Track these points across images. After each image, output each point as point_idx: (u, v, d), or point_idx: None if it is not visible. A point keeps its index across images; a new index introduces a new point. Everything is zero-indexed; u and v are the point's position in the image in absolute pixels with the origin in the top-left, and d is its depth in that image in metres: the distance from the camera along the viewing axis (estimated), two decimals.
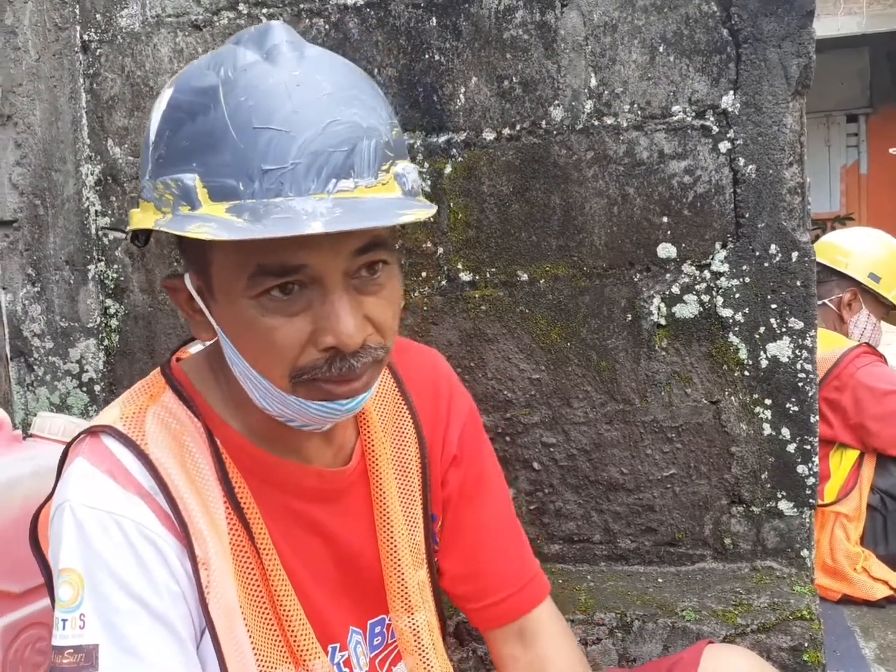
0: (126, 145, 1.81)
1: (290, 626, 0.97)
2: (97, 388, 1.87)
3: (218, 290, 0.88)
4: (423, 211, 0.84)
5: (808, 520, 1.63)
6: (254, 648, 0.94)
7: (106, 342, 1.86)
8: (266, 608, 0.96)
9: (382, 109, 0.86)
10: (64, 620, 0.88)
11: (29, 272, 1.89)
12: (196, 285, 0.92)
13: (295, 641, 0.97)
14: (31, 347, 1.90)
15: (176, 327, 1.81)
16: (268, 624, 0.96)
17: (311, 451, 1.02)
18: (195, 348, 1.08)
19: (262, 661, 0.94)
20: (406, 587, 1.06)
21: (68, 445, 0.99)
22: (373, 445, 1.07)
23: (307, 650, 0.97)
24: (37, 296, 1.89)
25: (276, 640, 0.96)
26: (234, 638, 0.93)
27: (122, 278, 1.84)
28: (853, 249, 2.88)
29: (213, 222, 0.79)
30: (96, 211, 1.84)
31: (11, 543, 1.29)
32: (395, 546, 1.06)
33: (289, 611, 0.96)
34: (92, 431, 0.95)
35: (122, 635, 0.87)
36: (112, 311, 1.86)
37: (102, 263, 1.85)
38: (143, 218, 0.88)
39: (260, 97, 0.80)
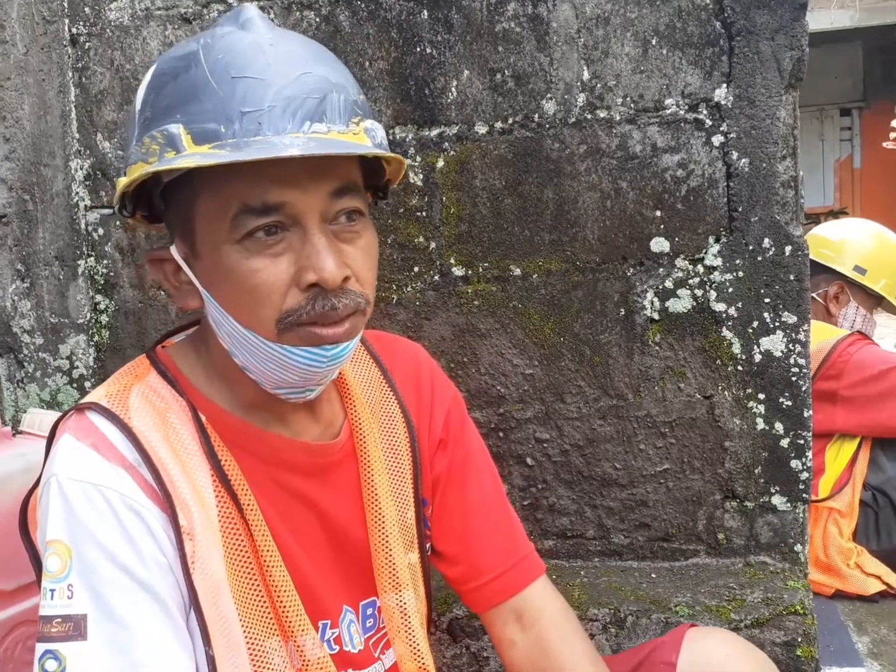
0: (115, 139, 1.79)
1: (279, 598, 0.97)
2: (88, 384, 1.86)
3: (202, 244, 0.92)
4: (391, 154, 0.92)
5: (801, 515, 1.63)
6: (241, 620, 0.95)
7: (96, 338, 1.85)
8: (255, 580, 0.97)
9: (349, 76, 0.94)
10: (52, 590, 0.89)
11: (18, 267, 1.88)
12: (182, 252, 0.96)
13: (284, 614, 0.97)
14: (21, 343, 1.89)
15: (167, 323, 1.80)
16: (256, 596, 0.97)
17: (298, 424, 1.04)
18: (178, 339, 1.09)
19: (249, 632, 0.95)
20: (394, 565, 1.07)
21: (55, 424, 1.00)
22: (360, 424, 1.09)
23: (296, 623, 0.98)
24: (26, 291, 1.88)
25: (264, 613, 0.97)
26: (218, 609, 0.93)
27: (112, 274, 1.83)
28: (839, 242, 2.83)
29: (196, 156, 0.84)
30: (86, 206, 1.83)
31: (2, 541, 1.29)
32: (384, 523, 1.07)
33: (278, 583, 0.97)
34: (78, 408, 0.97)
35: (109, 605, 0.88)
36: (102, 306, 1.84)
37: (92, 259, 1.84)
38: (129, 177, 0.92)
39: (236, 54, 0.88)
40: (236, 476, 0.97)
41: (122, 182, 0.92)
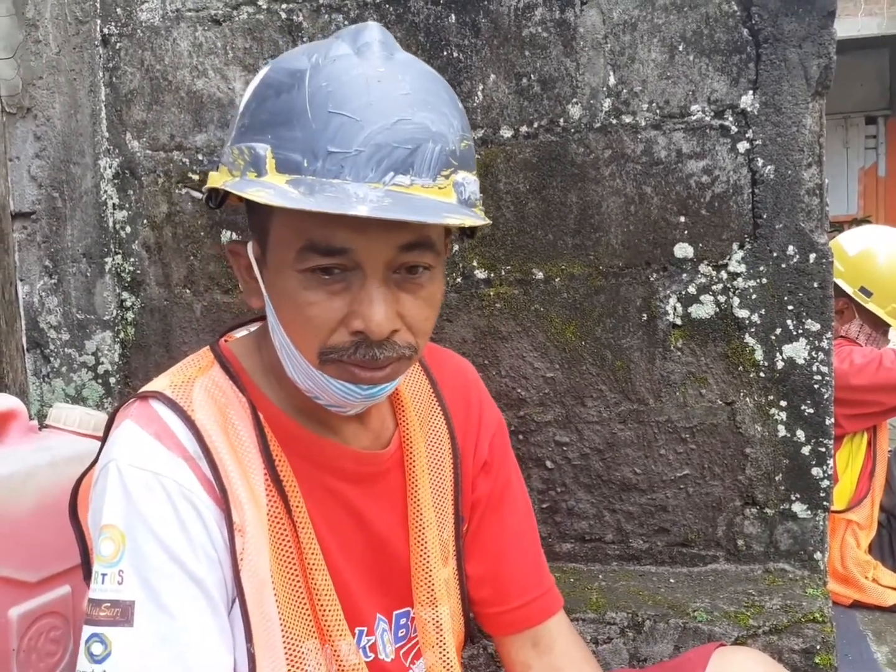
0: (144, 139, 1.81)
1: (319, 601, 0.98)
2: (112, 380, 1.88)
3: (271, 259, 0.93)
4: (471, 218, 0.86)
5: (821, 522, 1.63)
6: (281, 621, 0.95)
7: (122, 335, 1.87)
8: (298, 581, 0.98)
9: (456, 120, 0.89)
10: (104, 575, 0.90)
11: (46, 264, 1.90)
12: (255, 253, 0.96)
13: (323, 617, 0.98)
14: (48, 339, 1.92)
15: (191, 321, 1.82)
16: (298, 597, 0.97)
17: (349, 433, 1.04)
18: (241, 334, 1.10)
19: (287, 633, 0.96)
20: (432, 579, 1.07)
21: (116, 410, 1.01)
22: (410, 436, 1.09)
23: (334, 628, 0.98)
24: (54, 288, 1.90)
25: (304, 614, 0.98)
26: (262, 608, 0.94)
27: (138, 271, 1.85)
28: (854, 257, 2.67)
29: (271, 189, 0.83)
30: (114, 204, 1.85)
31: (27, 533, 1.30)
32: (425, 538, 1.07)
33: (319, 586, 0.98)
34: (141, 396, 0.98)
35: (157, 593, 0.89)
36: (128, 304, 1.87)
37: (119, 256, 1.86)
38: (216, 179, 0.93)
39: (340, 85, 0.85)
40: (288, 477, 0.98)
41: (211, 180, 0.93)
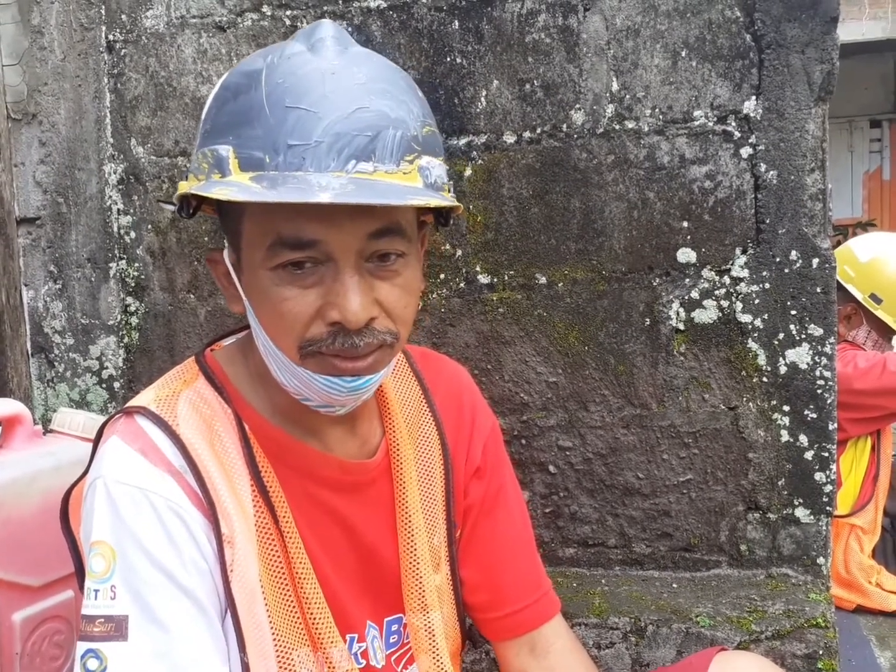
0: (149, 145, 1.82)
1: (309, 609, 0.98)
2: (117, 384, 1.89)
3: (245, 261, 0.93)
4: (436, 199, 0.87)
5: (824, 527, 1.62)
6: (272, 629, 0.96)
7: (126, 340, 1.88)
8: (287, 590, 0.98)
9: (416, 107, 0.90)
10: (96, 591, 0.91)
11: (51, 269, 1.91)
12: (232, 259, 0.97)
13: (314, 625, 0.99)
14: (52, 344, 1.92)
15: (195, 325, 1.83)
16: (288, 606, 0.98)
17: (335, 440, 1.05)
18: (229, 342, 1.11)
19: (279, 641, 0.96)
20: (422, 586, 1.08)
21: (103, 425, 1.02)
22: (398, 444, 1.09)
23: (325, 635, 0.99)
24: (58, 293, 1.91)
25: (295, 623, 0.98)
26: (254, 617, 0.95)
27: (142, 277, 1.86)
28: (865, 263, 2.66)
29: (234, 186, 0.84)
30: (118, 210, 1.86)
31: (31, 537, 1.31)
32: (415, 546, 1.07)
33: (309, 594, 0.98)
34: (126, 412, 0.99)
35: (150, 607, 0.90)
36: (132, 308, 1.87)
37: (124, 262, 1.87)
38: (184, 187, 0.93)
39: (296, 81, 0.86)
40: (274, 487, 0.98)
41: (179, 188, 0.94)
